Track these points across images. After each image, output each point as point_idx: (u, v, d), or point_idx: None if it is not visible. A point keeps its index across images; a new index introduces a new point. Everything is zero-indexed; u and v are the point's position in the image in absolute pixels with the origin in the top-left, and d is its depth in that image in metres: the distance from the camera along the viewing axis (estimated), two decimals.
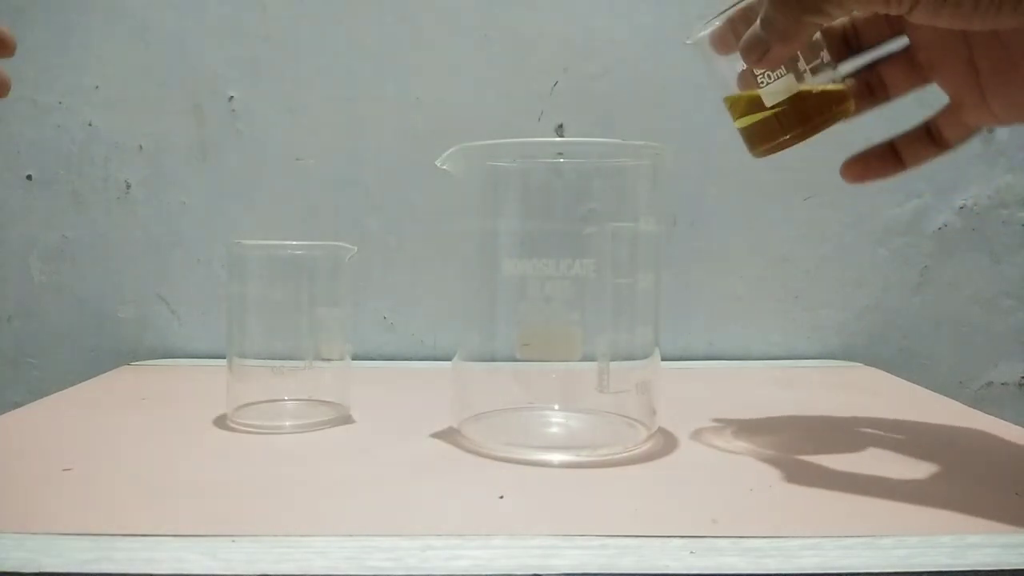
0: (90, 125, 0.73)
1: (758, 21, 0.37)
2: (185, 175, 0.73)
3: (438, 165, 0.45)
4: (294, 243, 0.49)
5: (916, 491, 0.37)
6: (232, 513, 0.34)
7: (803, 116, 0.40)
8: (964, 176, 0.75)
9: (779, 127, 0.40)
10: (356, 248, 0.50)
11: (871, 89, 0.44)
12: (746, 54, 0.38)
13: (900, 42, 0.43)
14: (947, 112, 0.43)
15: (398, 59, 0.73)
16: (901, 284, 0.76)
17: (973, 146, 0.74)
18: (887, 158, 0.44)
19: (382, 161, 0.73)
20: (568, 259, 0.42)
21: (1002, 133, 0.74)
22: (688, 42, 0.42)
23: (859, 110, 0.43)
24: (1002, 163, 0.75)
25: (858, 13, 0.42)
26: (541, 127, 0.73)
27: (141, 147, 0.73)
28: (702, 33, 0.41)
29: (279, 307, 0.49)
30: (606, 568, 0.29)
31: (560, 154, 0.45)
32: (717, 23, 0.40)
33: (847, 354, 0.76)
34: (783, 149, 0.41)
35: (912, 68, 0.42)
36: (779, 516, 0.34)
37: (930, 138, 0.43)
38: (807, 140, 0.40)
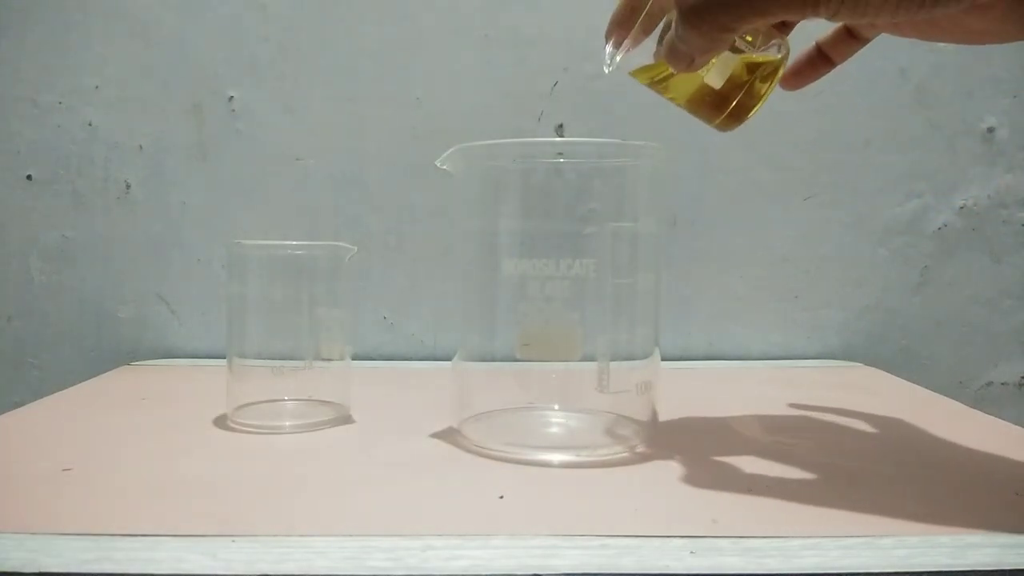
0: (90, 125, 0.73)
1: (674, 36, 0.36)
2: (185, 175, 0.73)
3: (438, 165, 0.45)
4: (294, 243, 0.49)
5: (916, 491, 0.37)
6: (232, 513, 0.34)
7: (752, 77, 0.39)
8: (964, 176, 0.75)
9: (732, 96, 0.40)
10: (356, 248, 0.50)
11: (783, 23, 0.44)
12: (672, 65, 0.37)
13: None
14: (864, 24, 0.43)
15: (398, 59, 0.73)
16: (901, 284, 0.76)
17: (973, 146, 0.74)
18: (816, 61, 0.45)
19: (382, 161, 0.73)
20: (568, 259, 0.42)
21: (1002, 133, 0.74)
22: (609, 71, 0.41)
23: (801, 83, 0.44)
24: (1002, 163, 0.75)
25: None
26: (541, 127, 0.73)
27: (141, 147, 0.73)
28: (618, 58, 0.40)
29: (279, 307, 0.49)
30: (606, 568, 0.29)
31: (560, 154, 0.45)
32: (626, 49, 0.40)
33: (847, 354, 0.76)
34: (748, 115, 0.40)
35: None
36: (779, 516, 0.34)
37: (850, 36, 0.44)
38: (762, 101, 0.40)
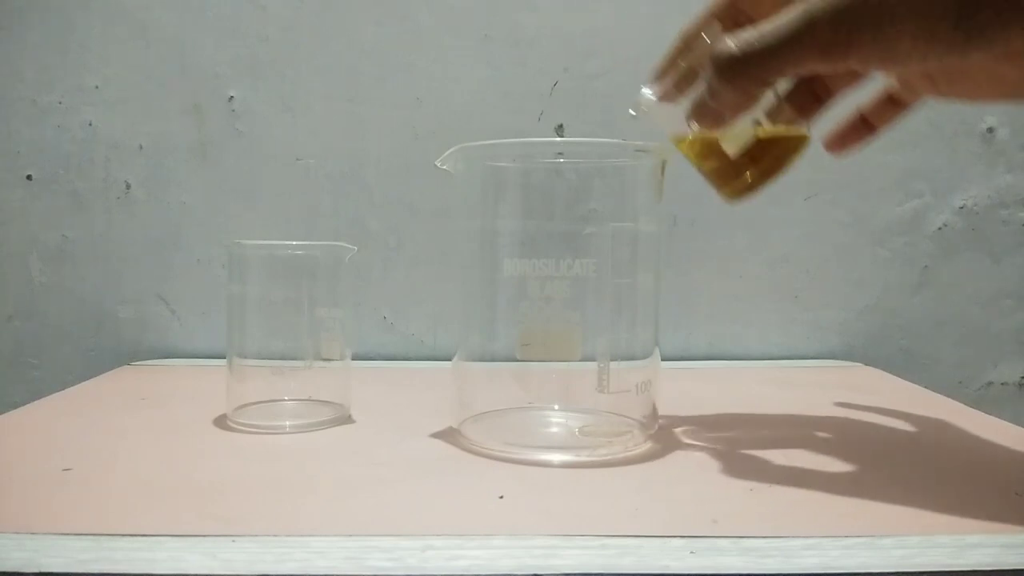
0: (90, 125, 0.73)
1: (706, 90, 0.36)
2: (185, 175, 0.73)
3: (438, 165, 0.45)
4: (294, 243, 0.49)
5: (916, 491, 0.37)
6: (232, 513, 0.34)
7: (763, 158, 0.40)
8: (964, 176, 0.75)
9: (743, 170, 0.40)
10: (356, 248, 0.50)
11: (816, 96, 0.44)
12: (699, 120, 0.38)
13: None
14: (901, 86, 0.43)
15: (398, 59, 0.73)
16: (901, 284, 0.76)
17: (973, 146, 0.74)
18: (859, 127, 0.45)
19: (382, 161, 0.73)
20: (568, 259, 0.42)
21: (1002, 133, 0.74)
22: (634, 114, 0.42)
23: (810, 120, 0.44)
24: (1002, 163, 0.75)
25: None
26: (541, 127, 0.73)
27: (141, 147, 0.73)
28: (650, 97, 0.41)
29: (279, 307, 0.49)
30: (606, 568, 0.29)
31: (560, 154, 0.45)
32: (656, 90, 0.40)
33: (847, 354, 0.76)
34: (752, 191, 0.41)
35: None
36: (779, 516, 0.34)
37: (892, 102, 0.44)
38: (776, 179, 0.41)
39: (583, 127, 0.73)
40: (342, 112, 0.73)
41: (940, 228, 0.75)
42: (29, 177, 0.73)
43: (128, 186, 0.73)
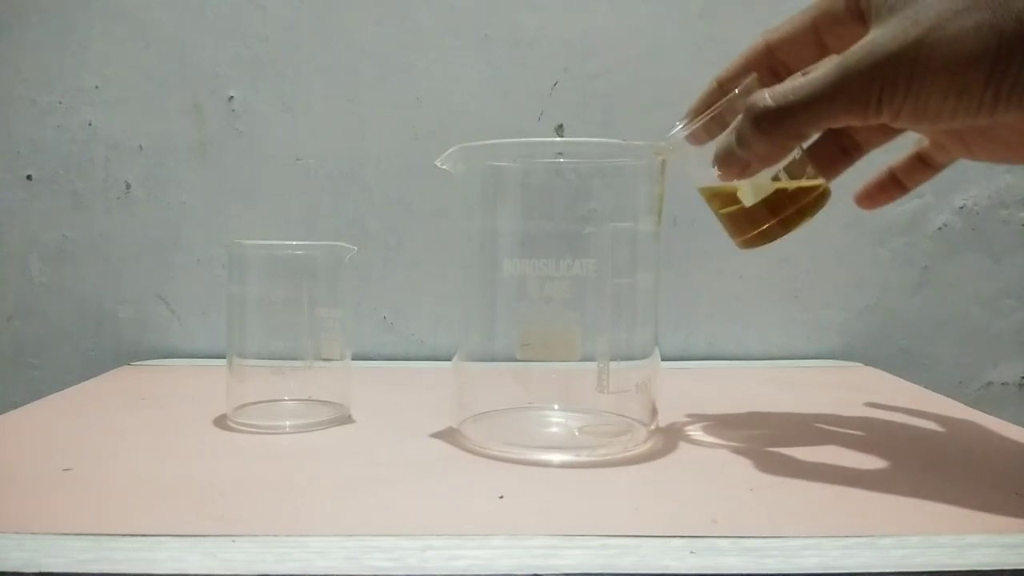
0: (90, 125, 0.73)
1: (735, 138, 0.37)
2: (185, 175, 0.73)
3: (438, 165, 0.45)
4: (294, 243, 0.49)
5: (916, 491, 0.37)
6: (232, 513, 0.34)
7: (782, 210, 0.40)
8: (964, 176, 0.75)
9: (761, 220, 0.41)
10: (356, 248, 0.50)
11: (845, 151, 0.44)
12: (724, 168, 0.38)
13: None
14: (933, 147, 0.43)
15: (398, 59, 0.73)
16: (901, 284, 0.76)
17: None
18: (889, 186, 0.46)
19: (382, 161, 0.74)
20: (568, 259, 0.42)
21: None
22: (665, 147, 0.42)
23: (836, 174, 0.44)
24: None
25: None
26: (541, 127, 0.73)
27: (141, 147, 0.73)
28: (679, 136, 0.41)
29: (279, 307, 0.49)
30: (606, 568, 0.29)
31: (560, 154, 0.45)
32: (688, 129, 0.41)
33: (847, 354, 0.76)
34: (768, 241, 0.41)
35: (888, 127, 0.43)
36: (779, 516, 0.34)
37: (923, 163, 0.45)
38: (790, 232, 0.41)
39: (583, 127, 0.73)
40: (342, 112, 0.73)
41: (940, 228, 0.75)
42: (29, 177, 0.73)
43: (128, 186, 0.73)
